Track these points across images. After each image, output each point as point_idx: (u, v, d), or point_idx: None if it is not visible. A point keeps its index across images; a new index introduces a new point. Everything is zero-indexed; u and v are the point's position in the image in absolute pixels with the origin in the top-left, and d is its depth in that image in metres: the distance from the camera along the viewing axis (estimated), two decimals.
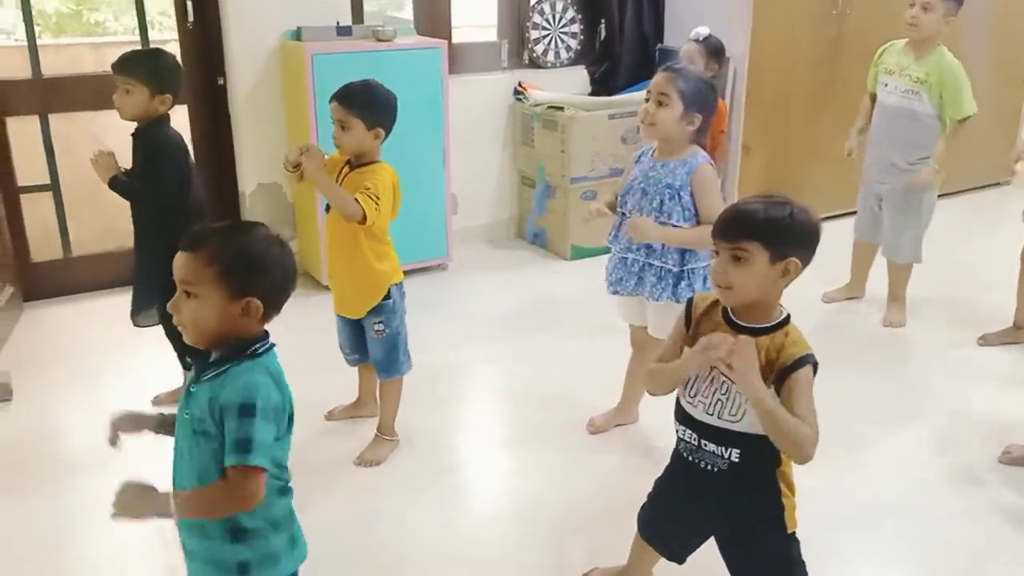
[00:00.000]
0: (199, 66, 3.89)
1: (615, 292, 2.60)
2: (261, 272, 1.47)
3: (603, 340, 3.21)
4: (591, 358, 3.32)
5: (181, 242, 1.48)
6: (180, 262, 1.46)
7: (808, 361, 1.60)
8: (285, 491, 1.57)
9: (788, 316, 1.67)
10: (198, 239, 1.47)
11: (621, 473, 2.65)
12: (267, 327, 1.53)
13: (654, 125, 2.42)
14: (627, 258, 2.52)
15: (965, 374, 3.24)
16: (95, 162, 2.66)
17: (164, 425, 1.59)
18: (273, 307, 1.51)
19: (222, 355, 1.47)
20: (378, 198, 2.41)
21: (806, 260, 1.65)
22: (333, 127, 2.46)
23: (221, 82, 3.91)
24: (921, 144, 3.41)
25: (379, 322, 2.60)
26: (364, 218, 2.38)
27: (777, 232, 1.61)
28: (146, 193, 2.68)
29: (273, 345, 1.52)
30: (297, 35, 3.80)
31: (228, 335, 1.47)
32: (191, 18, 3.82)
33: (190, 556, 1.55)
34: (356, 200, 2.37)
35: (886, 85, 3.45)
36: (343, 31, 3.83)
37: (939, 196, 3.60)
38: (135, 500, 1.43)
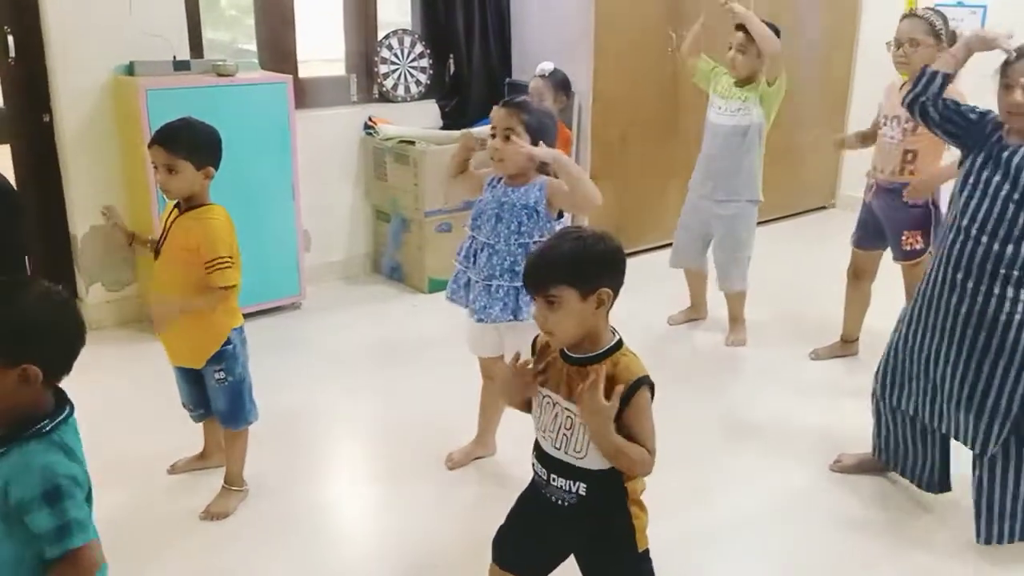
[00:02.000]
0: (23, 103, 3.66)
1: (480, 320, 2.56)
2: (36, 337, 1.36)
3: (461, 373, 3.19)
4: (450, 391, 3.30)
5: None
6: None
7: (643, 383, 1.65)
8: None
9: (620, 341, 1.71)
10: None
11: (482, 506, 2.64)
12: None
13: (504, 161, 2.45)
14: (491, 285, 2.52)
15: (801, 388, 3.43)
16: None
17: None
18: (58, 370, 1.40)
19: (6, 433, 1.34)
20: (230, 258, 2.36)
21: (616, 286, 1.69)
22: (158, 172, 2.35)
23: (47, 119, 3.68)
24: (739, 166, 3.59)
25: (220, 370, 2.49)
26: (231, 287, 2.36)
27: (578, 269, 1.64)
28: None
29: (71, 414, 1.41)
30: (130, 69, 3.64)
31: (10, 408, 1.35)
32: (12, 52, 3.58)
33: None
34: (215, 288, 2.34)
35: (719, 108, 3.64)
36: (180, 65, 3.69)
37: (770, 221, 3.82)
38: None
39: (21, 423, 1.35)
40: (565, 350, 1.71)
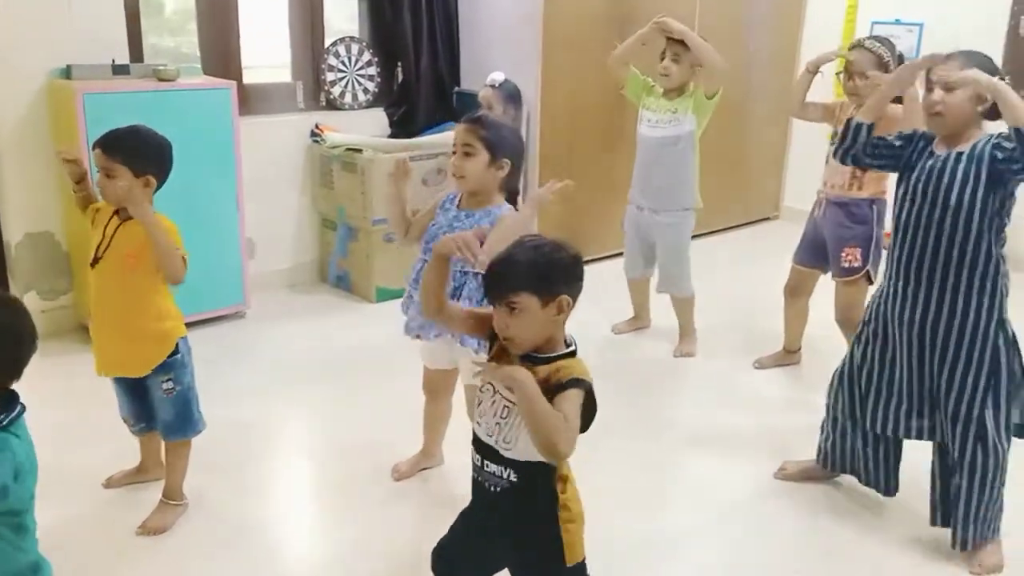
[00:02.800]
0: None
1: (417, 336, 2.56)
2: None
3: (409, 383, 3.16)
4: (397, 402, 3.26)
5: None
6: None
7: (579, 384, 1.63)
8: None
9: (575, 350, 1.72)
10: None
11: (428, 518, 2.60)
12: (18, 390, 1.39)
13: (464, 177, 2.42)
14: (466, 303, 2.49)
15: (745, 397, 3.47)
16: None
17: None
18: (9, 375, 1.37)
19: None
20: (180, 247, 2.32)
21: (575, 293, 1.71)
22: (100, 177, 2.30)
23: None
24: (673, 173, 3.64)
25: (168, 379, 2.43)
26: (183, 272, 2.32)
27: (539, 276, 1.66)
28: None
29: (22, 412, 1.38)
30: (67, 73, 3.54)
31: None
32: None
33: None
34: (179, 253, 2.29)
35: (649, 121, 3.68)
36: (120, 70, 3.60)
37: (714, 232, 3.87)
38: None
39: None
40: None
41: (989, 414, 2.32)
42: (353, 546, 2.48)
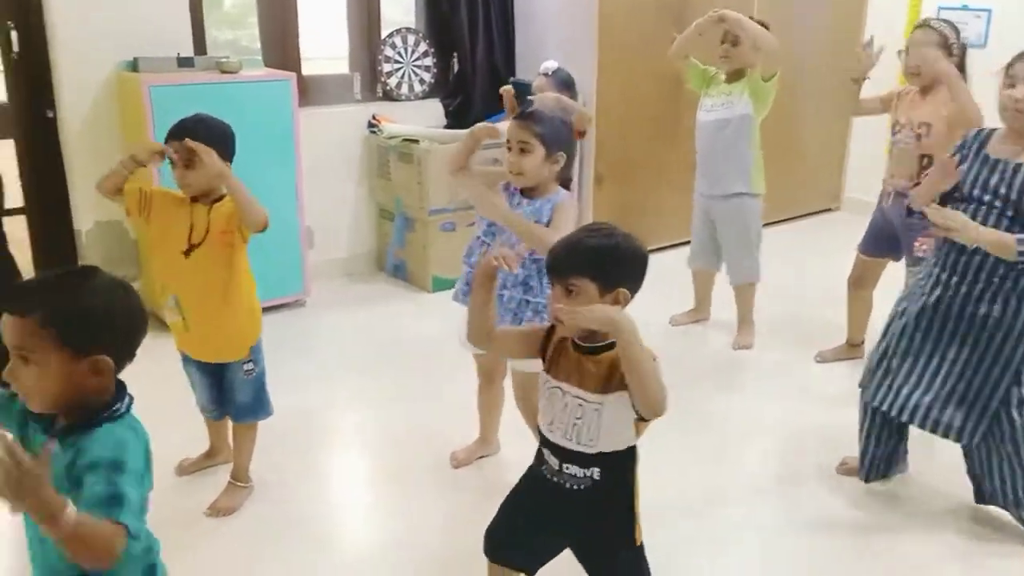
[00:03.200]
0: (27, 98, 3.65)
1: None
2: (106, 327, 1.33)
3: (465, 372, 3.19)
4: (454, 391, 3.28)
5: (4, 303, 1.32)
6: (9, 326, 1.30)
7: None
8: (151, 570, 1.44)
9: None
10: (26, 298, 1.31)
11: (485, 506, 2.58)
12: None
13: (522, 174, 2.42)
14: (503, 295, 2.49)
15: (806, 390, 3.42)
16: None
17: None
18: (126, 359, 1.38)
19: (75, 422, 1.32)
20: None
21: (635, 289, 1.71)
22: (175, 167, 2.34)
23: (51, 115, 3.67)
24: (733, 158, 3.60)
25: (250, 361, 2.50)
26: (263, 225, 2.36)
27: (605, 265, 1.66)
28: None
29: (132, 402, 1.40)
30: (134, 66, 3.63)
31: (79, 397, 1.33)
32: (16, 48, 3.58)
33: None
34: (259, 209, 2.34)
35: (705, 107, 3.65)
36: (184, 62, 3.68)
37: (774, 223, 3.82)
38: (26, 479, 1.13)
39: (85, 413, 1.33)
40: (576, 339, 1.71)
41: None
42: (411, 532, 2.51)
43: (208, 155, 2.29)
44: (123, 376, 1.42)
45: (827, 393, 3.39)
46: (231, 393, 2.54)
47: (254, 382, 2.52)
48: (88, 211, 3.77)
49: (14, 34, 3.56)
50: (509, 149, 2.43)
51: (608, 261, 1.67)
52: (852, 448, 2.87)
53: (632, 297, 1.70)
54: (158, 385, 2.81)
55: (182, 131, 2.34)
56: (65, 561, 1.27)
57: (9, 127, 3.72)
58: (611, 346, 1.68)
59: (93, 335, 1.32)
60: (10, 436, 1.30)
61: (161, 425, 2.81)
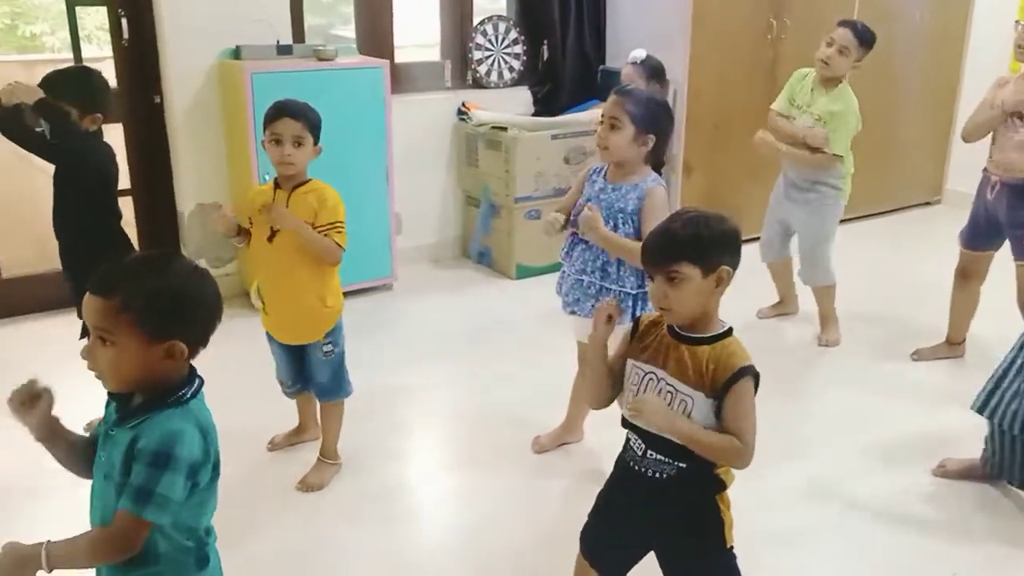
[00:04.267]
0: (135, 84, 3.81)
1: (572, 312, 2.58)
2: (183, 311, 1.37)
3: (548, 359, 3.20)
4: (536, 377, 3.31)
5: (89, 283, 1.36)
6: (91, 307, 1.34)
7: (748, 373, 1.63)
8: (203, 562, 1.45)
9: (731, 329, 1.70)
10: (109, 280, 1.35)
11: (567, 495, 2.64)
12: (199, 357, 1.43)
13: (607, 149, 2.43)
14: (583, 280, 2.51)
15: (899, 389, 3.31)
16: (16, 85, 2.58)
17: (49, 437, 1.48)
18: (199, 344, 1.42)
19: (145, 401, 1.37)
20: (342, 223, 2.43)
21: (735, 265, 1.70)
22: (283, 146, 2.36)
23: (158, 100, 3.83)
24: (820, 169, 3.49)
25: (328, 342, 2.56)
26: (342, 249, 2.41)
27: (701, 247, 1.65)
28: (81, 157, 2.60)
29: (202, 384, 1.43)
30: (236, 54, 3.75)
31: (152, 380, 1.37)
32: (126, 35, 3.74)
33: None
34: (334, 241, 2.40)
35: (793, 119, 3.53)
36: (283, 50, 3.79)
37: (871, 216, 3.69)
38: (9, 572, 1.31)
39: (158, 393, 1.37)
40: (676, 328, 1.70)
41: None
42: (494, 515, 2.54)
43: (308, 157, 2.40)
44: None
45: (923, 392, 3.27)
46: (311, 372, 2.62)
47: (332, 363, 2.58)
48: (190, 194, 3.92)
49: (124, 22, 3.72)
50: (601, 123, 2.44)
51: (704, 242, 1.66)
52: (949, 450, 2.77)
53: (734, 273, 1.68)
54: (253, 363, 2.93)
55: (293, 108, 2.38)
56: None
57: (118, 112, 3.89)
58: (709, 339, 1.66)
59: (169, 321, 1.35)
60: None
61: (253, 399, 2.95)
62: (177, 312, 1.36)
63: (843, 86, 3.43)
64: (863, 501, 2.62)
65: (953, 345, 3.50)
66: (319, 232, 2.40)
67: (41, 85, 2.59)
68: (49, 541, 1.33)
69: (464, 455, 2.91)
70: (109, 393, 1.43)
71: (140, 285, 1.35)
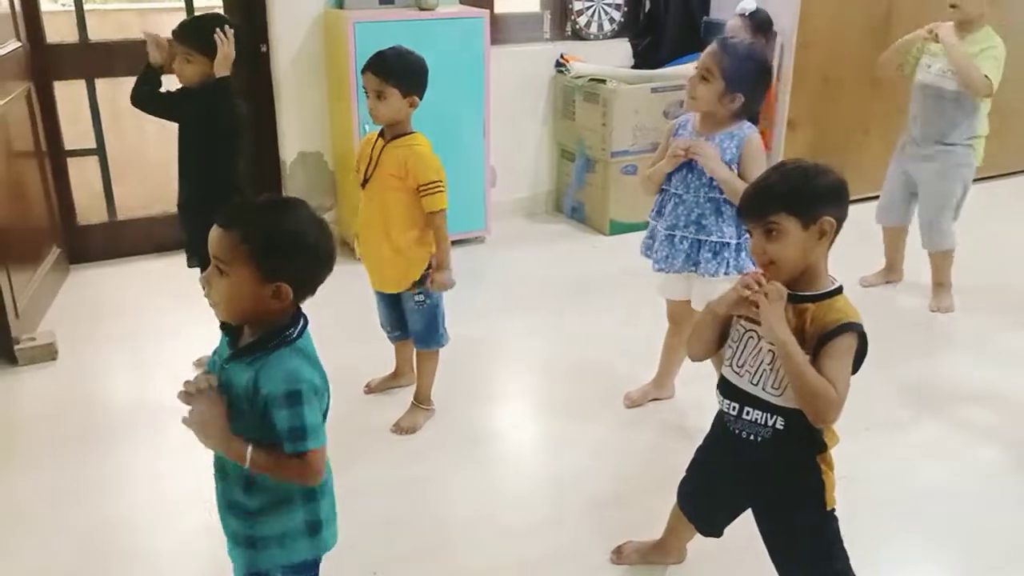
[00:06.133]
0: (243, 33, 3.87)
1: (661, 270, 2.56)
2: (295, 255, 1.42)
3: (640, 314, 3.18)
4: (628, 332, 3.30)
5: (218, 215, 1.42)
6: (214, 237, 1.40)
7: (852, 329, 1.57)
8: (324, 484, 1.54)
9: (840, 287, 1.64)
10: (234, 215, 1.41)
11: (656, 449, 2.64)
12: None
13: (695, 99, 2.40)
14: (674, 235, 2.48)
15: (1013, 359, 3.17)
16: (155, 39, 2.70)
17: None
18: (306, 290, 1.47)
19: (257, 340, 1.44)
20: (437, 182, 2.46)
21: (840, 216, 1.62)
22: (368, 98, 2.45)
23: (264, 49, 3.92)
24: (954, 123, 3.32)
25: (420, 293, 2.60)
26: (442, 210, 2.46)
27: (799, 196, 1.59)
28: (211, 110, 2.67)
29: (307, 324, 1.49)
30: (340, 3, 3.80)
31: (260, 316, 1.43)
32: None
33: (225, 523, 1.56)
34: (433, 213, 2.47)
35: (929, 67, 3.35)
36: (386, 0, 3.81)
37: (987, 178, 3.51)
38: (213, 422, 1.39)
39: (267, 331, 1.44)
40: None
41: None
42: (584, 465, 2.56)
43: (396, 109, 2.45)
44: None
45: None
46: (406, 320, 2.67)
47: (426, 312, 2.62)
48: (294, 141, 4.02)
49: None
50: (696, 71, 2.40)
51: (804, 191, 1.60)
52: None
53: (839, 226, 1.61)
54: (350, 307, 3.02)
55: (379, 64, 2.43)
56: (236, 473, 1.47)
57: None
58: (813, 298, 1.61)
59: (280, 263, 1.40)
60: (215, 381, 1.43)
61: (352, 343, 3.03)
62: (289, 255, 1.41)
63: (985, 29, 3.23)
64: (972, 470, 2.54)
65: None
66: (420, 193, 2.45)
67: (174, 33, 2.67)
68: (252, 447, 1.40)
69: (554, 405, 2.93)
70: (222, 325, 1.50)
71: (262, 223, 1.42)
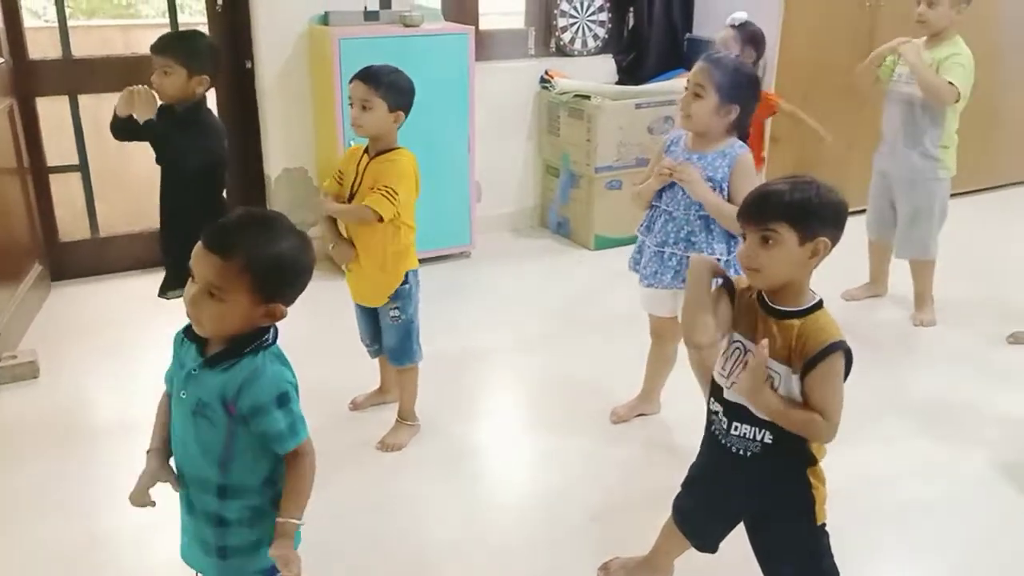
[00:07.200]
0: (227, 49, 3.90)
1: (650, 285, 2.56)
2: (293, 280, 1.46)
3: (625, 329, 3.18)
4: (613, 348, 3.30)
5: (205, 238, 1.40)
6: (208, 263, 1.38)
7: (837, 348, 1.58)
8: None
9: (821, 301, 1.65)
10: (227, 240, 1.39)
11: (642, 465, 2.64)
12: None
13: (689, 117, 2.40)
14: (663, 251, 2.48)
15: (996, 372, 3.19)
16: (136, 94, 2.60)
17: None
18: (287, 302, 1.49)
19: (230, 347, 1.44)
20: (395, 192, 2.42)
21: (835, 239, 1.63)
22: (352, 108, 2.45)
23: (249, 65, 3.92)
24: (923, 129, 3.36)
25: (395, 308, 2.59)
26: (381, 218, 2.42)
27: (805, 212, 1.59)
28: (184, 153, 2.62)
29: (276, 334, 1.51)
30: (325, 19, 3.81)
31: (245, 332, 1.45)
32: (219, 1, 3.82)
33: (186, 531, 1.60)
34: (368, 206, 2.42)
35: (900, 76, 3.40)
36: (370, 16, 3.82)
37: (968, 193, 3.54)
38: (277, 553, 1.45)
39: (243, 338, 1.45)
40: (765, 298, 1.66)
41: None
42: (570, 482, 2.55)
43: (380, 121, 2.44)
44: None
45: (1018, 377, 3.14)
46: (382, 335, 2.67)
47: (400, 329, 2.61)
48: (278, 157, 4.01)
49: None
50: (686, 89, 2.41)
51: (810, 207, 1.59)
52: None
53: (831, 248, 1.62)
54: (332, 322, 3.00)
55: (365, 73, 2.44)
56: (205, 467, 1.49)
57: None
58: (799, 313, 1.62)
59: (280, 286, 1.43)
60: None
61: (333, 359, 3.02)
62: (288, 279, 1.45)
63: (954, 39, 3.28)
64: (959, 484, 2.55)
65: None
66: (374, 191, 2.43)
67: (152, 46, 2.65)
68: (280, 520, 1.47)
69: (540, 421, 2.93)
70: (187, 336, 1.49)
71: (260, 250, 1.40)
